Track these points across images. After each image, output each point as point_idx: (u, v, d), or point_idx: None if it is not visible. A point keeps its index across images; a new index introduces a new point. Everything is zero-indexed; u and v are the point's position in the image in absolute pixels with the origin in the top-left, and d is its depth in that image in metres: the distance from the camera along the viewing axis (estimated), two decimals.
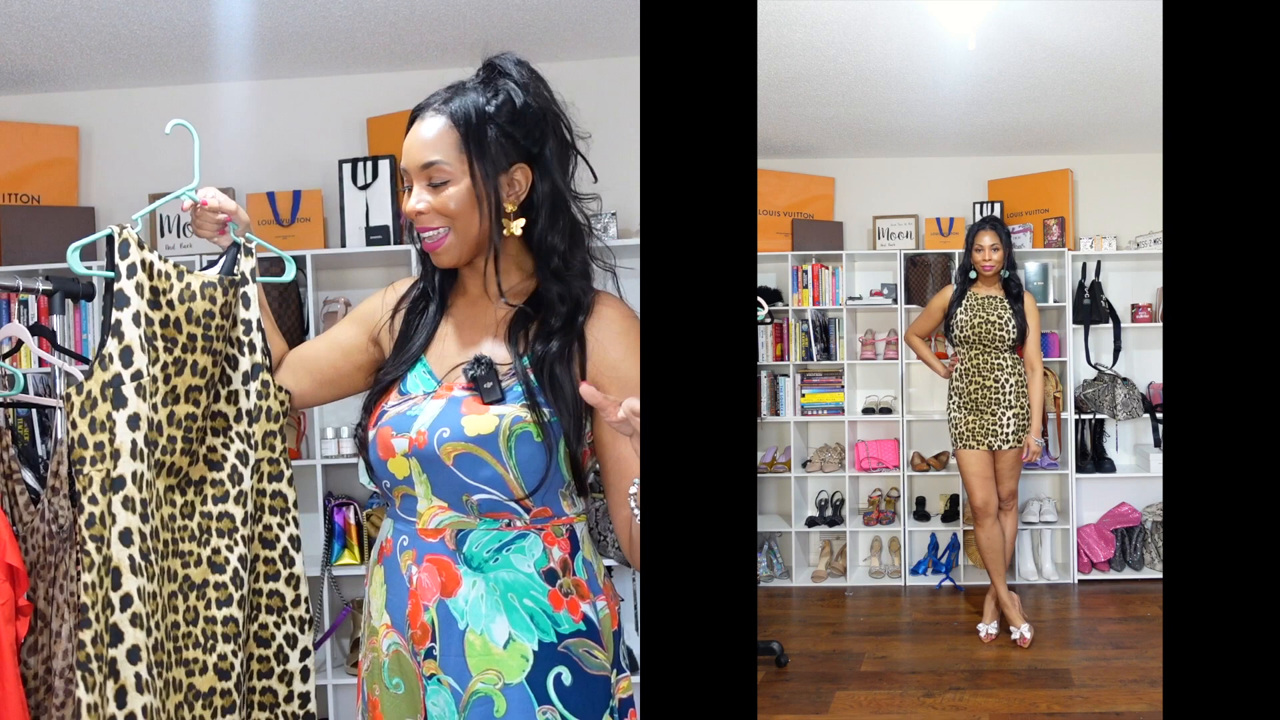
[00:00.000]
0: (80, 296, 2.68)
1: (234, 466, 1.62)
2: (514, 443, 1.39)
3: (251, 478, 1.62)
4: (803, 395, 4.72)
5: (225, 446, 1.62)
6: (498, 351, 1.46)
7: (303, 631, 1.68)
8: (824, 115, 4.20)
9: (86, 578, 1.44)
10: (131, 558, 1.46)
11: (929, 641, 3.76)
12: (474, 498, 1.42)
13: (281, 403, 1.65)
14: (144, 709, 1.45)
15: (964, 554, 4.61)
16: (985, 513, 3.70)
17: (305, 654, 1.69)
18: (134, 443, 1.47)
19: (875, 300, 4.69)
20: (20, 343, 2.56)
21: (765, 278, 4.74)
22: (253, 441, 1.62)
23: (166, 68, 3.58)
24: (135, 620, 1.46)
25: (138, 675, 1.45)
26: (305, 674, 1.69)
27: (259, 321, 1.65)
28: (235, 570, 1.60)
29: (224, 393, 1.63)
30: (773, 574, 4.66)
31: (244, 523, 1.61)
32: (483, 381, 1.42)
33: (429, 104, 1.47)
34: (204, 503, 1.60)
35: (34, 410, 2.55)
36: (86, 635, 1.43)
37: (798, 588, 4.62)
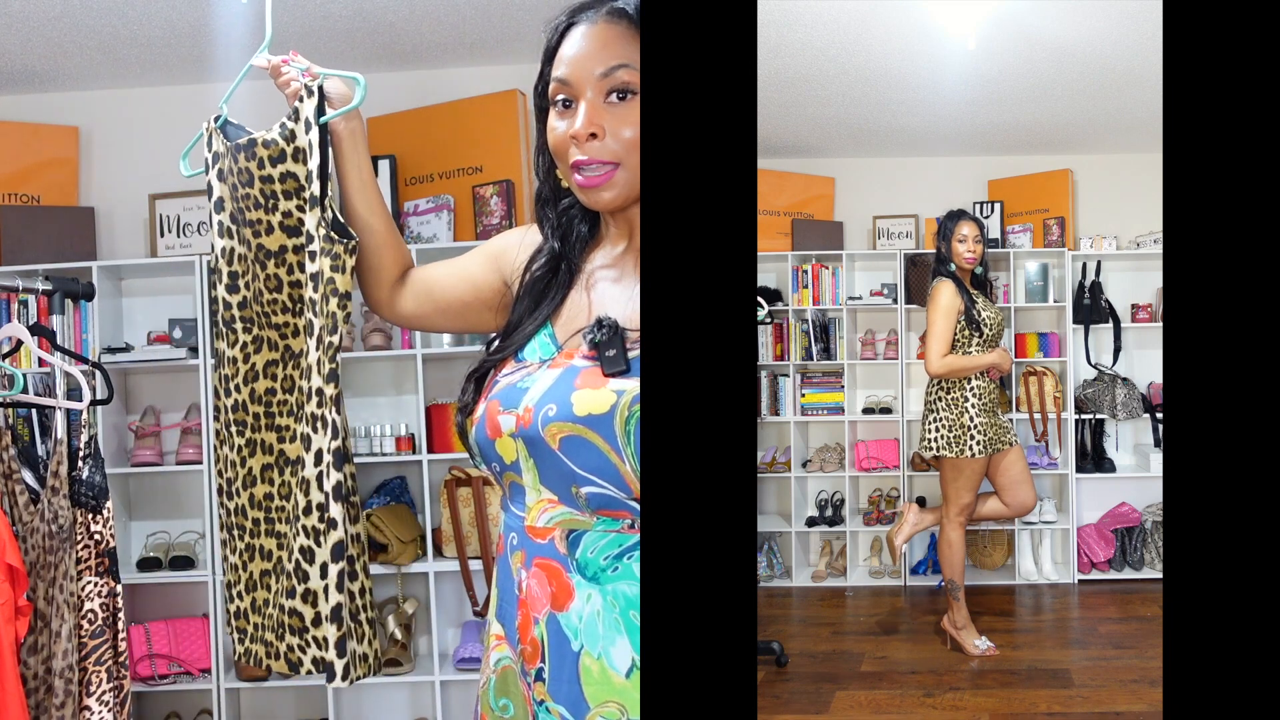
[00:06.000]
0: (80, 296, 2.68)
1: (304, 335, 1.51)
2: (633, 426, 1.13)
3: (318, 349, 1.46)
4: (803, 395, 4.73)
5: (298, 316, 1.52)
6: (633, 317, 1.22)
7: (318, 543, 1.44)
8: (824, 115, 4.21)
9: None
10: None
11: (929, 641, 3.76)
12: (583, 490, 1.18)
13: (335, 256, 1.44)
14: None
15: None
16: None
17: (323, 571, 1.43)
18: (220, 320, 1.58)
19: (875, 300, 4.70)
20: (20, 343, 2.57)
21: (765, 278, 4.74)
22: (317, 309, 1.47)
23: (166, 68, 3.58)
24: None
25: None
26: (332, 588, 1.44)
27: (319, 170, 1.42)
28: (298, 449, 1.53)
29: (292, 260, 1.50)
30: (773, 574, 4.66)
31: (309, 397, 1.47)
32: (605, 348, 1.18)
33: (594, 3, 1.21)
34: (302, 377, 1.51)
35: (34, 410, 2.55)
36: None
37: (798, 588, 4.62)
